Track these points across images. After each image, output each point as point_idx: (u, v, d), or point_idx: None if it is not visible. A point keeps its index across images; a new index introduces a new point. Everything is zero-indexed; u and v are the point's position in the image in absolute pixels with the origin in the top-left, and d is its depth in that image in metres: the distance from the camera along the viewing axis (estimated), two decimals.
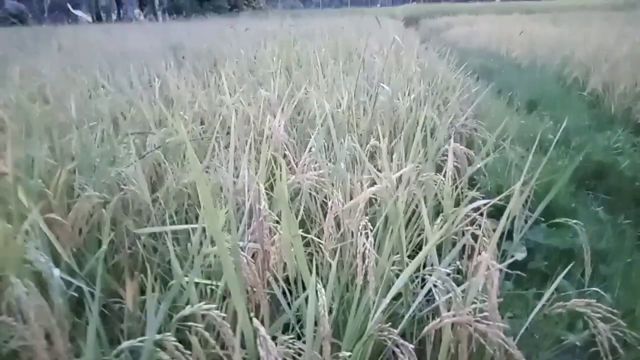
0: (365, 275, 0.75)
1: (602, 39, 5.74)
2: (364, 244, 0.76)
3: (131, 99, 1.97)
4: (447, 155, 1.19)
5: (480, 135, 1.91)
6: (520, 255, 1.65)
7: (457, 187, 1.16)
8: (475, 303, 0.69)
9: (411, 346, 0.59)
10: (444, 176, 1.06)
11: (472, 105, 2.09)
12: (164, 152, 1.35)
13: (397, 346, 0.61)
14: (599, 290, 1.00)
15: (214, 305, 0.62)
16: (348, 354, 0.61)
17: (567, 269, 0.87)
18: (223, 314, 0.61)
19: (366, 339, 0.64)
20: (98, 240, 1.01)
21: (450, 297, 0.66)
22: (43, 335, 0.62)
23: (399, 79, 2.52)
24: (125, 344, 0.56)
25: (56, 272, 0.70)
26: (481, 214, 0.97)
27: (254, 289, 0.75)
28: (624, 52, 4.32)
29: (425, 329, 0.67)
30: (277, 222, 0.89)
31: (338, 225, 1.03)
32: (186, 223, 1.15)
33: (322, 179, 1.09)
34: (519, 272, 1.09)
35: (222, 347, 0.65)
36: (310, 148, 1.39)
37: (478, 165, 1.22)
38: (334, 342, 0.65)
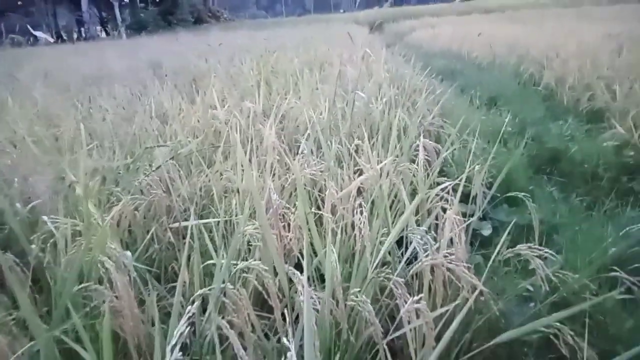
0: (362, 243, 0.97)
1: (554, 36, 6.19)
2: (360, 218, 0.98)
3: (129, 116, 2.15)
4: (418, 150, 1.43)
5: (446, 132, 2.16)
6: (487, 231, 1.92)
7: (428, 175, 1.39)
8: (446, 252, 0.91)
9: (402, 280, 0.81)
10: (417, 165, 1.30)
11: (438, 104, 2.34)
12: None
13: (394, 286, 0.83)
14: (552, 252, 1.24)
15: (259, 261, 0.83)
16: (358, 289, 0.82)
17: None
18: (265, 267, 0.82)
19: (369, 282, 0.86)
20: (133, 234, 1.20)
21: (428, 248, 0.88)
22: (127, 300, 0.81)
23: (370, 86, 2.78)
24: (199, 291, 0.76)
25: (128, 253, 0.89)
26: (447, 192, 1.20)
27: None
28: (573, 48, 4.72)
29: (411, 271, 0.90)
30: (287, 208, 1.11)
31: (333, 212, 1.26)
32: (201, 218, 1.35)
33: (319, 172, 1.31)
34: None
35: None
36: (302, 150, 1.61)
37: (444, 155, 1.45)
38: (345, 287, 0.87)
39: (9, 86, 2.64)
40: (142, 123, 1.92)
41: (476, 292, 0.81)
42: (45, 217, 0.97)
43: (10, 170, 1.32)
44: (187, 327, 0.63)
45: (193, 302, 0.73)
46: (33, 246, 1.00)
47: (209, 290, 0.77)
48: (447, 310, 0.80)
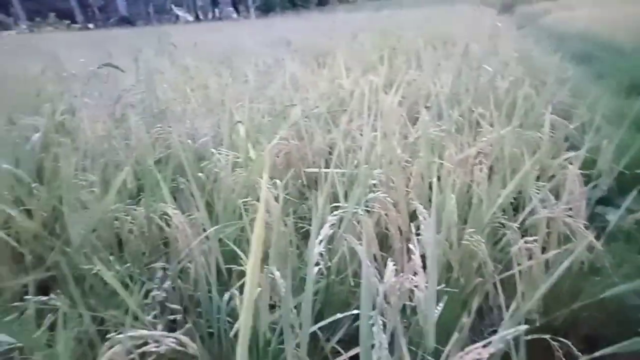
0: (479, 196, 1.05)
1: None
2: (479, 173, 1.06)
3: (266, 83, 2.40)
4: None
5: (577, 112, 2.08)
6: (611, 217, 1.83)
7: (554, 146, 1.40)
8: (565, 206, 0.95)
9: (516, 225, 0.88)
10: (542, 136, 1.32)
11: (568, 85, 2.25)
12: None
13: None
14: None
15: (386, 194, 0.97)
16: (473, 229, 0.92)
17: None
18: (392, 200, 0.95)
19: (485, 225, 0.94)
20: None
21: (547, 204, 0.94)
22: (276, 214, 1.00)
23: (496, 64, 2.73)
24: (337, 212, 0.92)
25: (277, 181, 1.10)
26: (570, 163, 1.22)
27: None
28: None
29: (527, 221, 0.96)
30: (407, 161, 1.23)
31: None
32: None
33: (441, 134, 1.39)
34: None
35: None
36: (423, 117, 1.70)
37: (571, 127, 1.44)
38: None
39: (168, 55, 3.09)
40: (277, 88, 2.14)
41: (586, 241, 0.85)
42: (212, 149, 1.20)
43: (179, 115, 1.61)
44: (329, 230, 0.78)
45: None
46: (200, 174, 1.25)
47: (343, 212, 0.92)
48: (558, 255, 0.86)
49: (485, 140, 1.27)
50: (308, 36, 5.50)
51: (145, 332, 0.62)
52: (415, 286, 0.65)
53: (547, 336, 0.77)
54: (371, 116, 1.61)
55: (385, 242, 1.13)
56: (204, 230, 1.02)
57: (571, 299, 0.99)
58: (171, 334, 0.68)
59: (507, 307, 0.71)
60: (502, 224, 0.93)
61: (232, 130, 1.35)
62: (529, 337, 0.73)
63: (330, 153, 1.61)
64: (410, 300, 0.67)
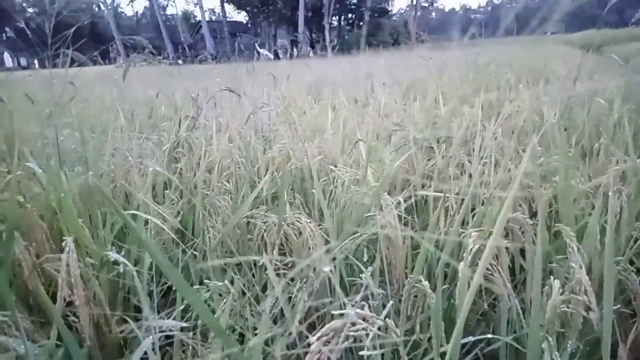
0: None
1: None
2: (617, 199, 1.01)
3: (360, 112, 2.46)
4: None
5: None
6: None
7: None
8: None
9: None
10: None
11: None
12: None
13: None
14: None
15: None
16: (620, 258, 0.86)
17: None
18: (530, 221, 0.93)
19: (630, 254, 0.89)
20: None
21: None
22: (394, 229, 1.01)
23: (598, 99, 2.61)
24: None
25: (391, 199, 1.11)
26: None
27: None
28: None
29: None
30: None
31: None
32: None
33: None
34: None
35: None
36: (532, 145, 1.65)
37: None
38: None
39: (266, 84, 3.30)
40: (371, 117, 2.19)
41: None
42: (332, 166, 1.24)
43: (292, 137, 1.70)
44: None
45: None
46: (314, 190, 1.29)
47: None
48: None
49: (617, 169, 1.20)
50: (391, 71, 5.59)
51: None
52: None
53: None
54: (476, 144, 1.59)
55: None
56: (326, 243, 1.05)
57: None
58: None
59: None
60: None
61: (344, 151, 1.40)
62: None
63: (431, 178, 1.60)
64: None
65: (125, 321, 0.75)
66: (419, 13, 40.88)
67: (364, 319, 0.44)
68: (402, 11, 44.64)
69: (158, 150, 1.57)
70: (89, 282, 0.84)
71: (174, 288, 0.99)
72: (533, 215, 1.29)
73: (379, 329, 0.45)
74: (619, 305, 0.80)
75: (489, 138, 1.91)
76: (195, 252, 1.15)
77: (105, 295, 0.88)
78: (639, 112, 2.70)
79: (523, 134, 2.08)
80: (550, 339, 0.58)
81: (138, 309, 1.02)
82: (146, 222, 1.18)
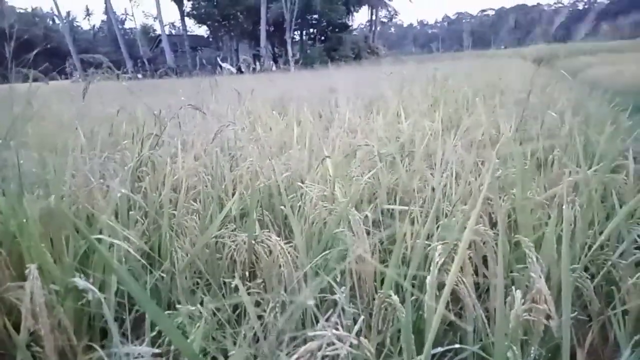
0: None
1: None
2: (570, 209, 1.06)
3: (325, 126, 2.49)
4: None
5: None
6: None
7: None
8: None
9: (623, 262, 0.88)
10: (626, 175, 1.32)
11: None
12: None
13: None
14: None
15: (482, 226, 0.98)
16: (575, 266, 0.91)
17: None
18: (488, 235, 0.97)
19: (584, 262, 0.94)
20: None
21: None
22: (363, 242, 1.03)
23: (552, 113, 2.75)
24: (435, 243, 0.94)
25: (359, 215, 1.13)
26: None
27: None
28: None
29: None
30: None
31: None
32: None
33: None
34: None
35: None
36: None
37: None
38: None
39: (230, 100, 3.28)
40: (336, 131, 2.23)
41: None
42: (299, 183, 1.25)
43: (258, 154, 1.70)
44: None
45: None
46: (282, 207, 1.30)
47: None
48: None
49: (570, 180, 1.28)
50: (353, 86, 5.68)
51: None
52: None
53: None
54: (437, 158, 1.65)
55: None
56: (296, 259, 1.05)
57: None
58: None
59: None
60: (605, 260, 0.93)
61: (311, 167, 1.41)
62: None
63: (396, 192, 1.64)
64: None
65: (93, 349, 0.72)
66: (378, 28, 41.88)
67: (339, 339, 0.45)
68: (362, 26, 45.56)
69: (121, 169, 1.54)
70: (53, 310, 0.81)
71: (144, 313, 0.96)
72: (493, 225, 1.35)
73: (350, 345, 0.46)
74: (576, 312, 0.84)
75: (449, 151, 1.98)
76: (162, 275, 1.13)
77: (70, 322, 0.85)
78: (588, 124, 2.87)
79: (482, 146, 2.16)
80: (514, 347, 0.61)
81: (105, 335, 1.00)
82: (111, 245, 1.15)
